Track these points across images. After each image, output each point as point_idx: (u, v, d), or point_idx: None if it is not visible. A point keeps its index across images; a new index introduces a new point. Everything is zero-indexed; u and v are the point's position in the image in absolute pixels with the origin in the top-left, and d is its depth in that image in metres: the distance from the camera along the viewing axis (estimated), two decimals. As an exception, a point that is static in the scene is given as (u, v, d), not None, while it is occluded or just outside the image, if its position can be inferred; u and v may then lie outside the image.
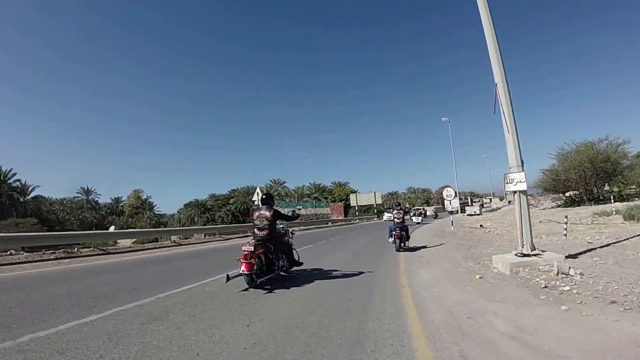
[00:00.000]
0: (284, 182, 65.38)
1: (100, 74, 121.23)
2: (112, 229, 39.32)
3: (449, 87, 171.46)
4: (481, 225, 19.87)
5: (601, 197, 24.42)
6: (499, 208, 40.92)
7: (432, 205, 78.30)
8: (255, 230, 5.84)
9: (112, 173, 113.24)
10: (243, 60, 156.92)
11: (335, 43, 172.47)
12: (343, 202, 55.10)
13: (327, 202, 47.17)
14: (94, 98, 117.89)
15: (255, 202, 25.16)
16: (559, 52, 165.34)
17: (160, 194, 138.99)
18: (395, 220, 10.59)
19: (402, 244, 10.49)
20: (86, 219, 62.85)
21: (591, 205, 22.80)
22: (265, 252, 5.71)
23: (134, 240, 24.59)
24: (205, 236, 22.40)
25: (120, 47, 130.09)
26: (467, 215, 31.60)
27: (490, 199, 62.45)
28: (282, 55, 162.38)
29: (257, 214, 5.90)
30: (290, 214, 6.78)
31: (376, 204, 47.00)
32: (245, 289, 5.36)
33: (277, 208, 6.20)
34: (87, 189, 72.76)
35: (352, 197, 48.41)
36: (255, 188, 71.00)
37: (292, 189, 64.82)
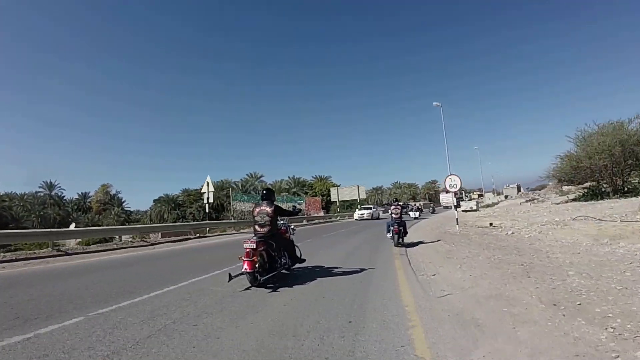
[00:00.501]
0: (261, 176, 60.58)
1: (65, 62, 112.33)
2: (72, 226, 33.64)
3: (437, 81, 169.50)
4: (491, 224, 15.42)
5: (627, 189, 20.43)
6: (496, 203, 37.11)
7: (420, 200, 75.49)
8: (256, 227, 5.63)
9: (81, 167, 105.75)
10: (215, 51, 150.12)
11: (319, 36, 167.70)
12: (325, 197, 50.40)
13: (302, 197, 41.08)
14: (64, 88, 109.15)
15: (205, 195, 20.07)
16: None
17: (132, 190, 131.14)
18: (393, 215, 10.71)
19: (400, 239, 10.51)
20: (48, 216, 57.39)
21: (618, 198, 18.83)
22: (267, 250, 5.53)
23: (78, 240, 20.08)
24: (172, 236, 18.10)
25: (84, 31, 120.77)
26: (463, 211, 27.44)
27: (482, 194, 59.20)
28: (260, 48, 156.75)
29: (257, 209, 5.68)
30: (290, 209, 6.49)
31: (360, 199, 41.17)
32: (247, 288, 5.15)
33: (277, 203, 6.01)
34: (50, 183, 66.05)
35: (333, 191, 42.72)
36: (231, 182, 66.46)
37: (270, 184, 60.46)
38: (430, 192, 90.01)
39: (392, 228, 10.44)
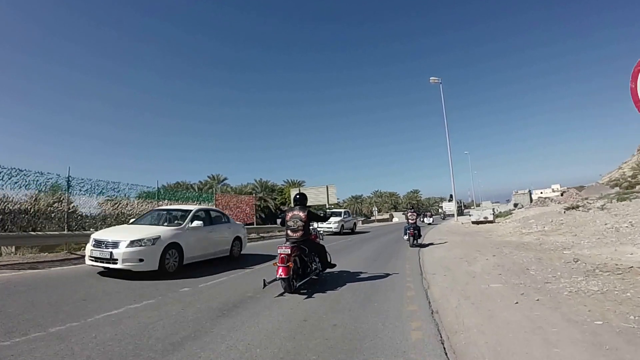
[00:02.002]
0: (225, 179, 51.63)
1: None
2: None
3: (419, 90, 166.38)
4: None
5: None
6: (509, 212, 29.98)
7: (400, 210, 69.95)
8: (289, 232, 5.58)
9: None
10: (185, 53, 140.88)
11: (296, 42, 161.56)
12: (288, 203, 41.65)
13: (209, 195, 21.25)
14: None
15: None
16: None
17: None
18: (410, 220, 11.85)
19: (415, 241, 11.47)
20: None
21: None
22: (300, 255, 5.47)
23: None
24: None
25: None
26: (473, 222, 19.95)
27: (477, 204, 52.40)
28: (231, 51, 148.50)
29: (290, 214, 5.62)
30: (322, 214, 6.50)
31: (330, 204, 26.26)
32: (281, 294, 5.02)
33: (310, 209, 5.87)
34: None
35: (293, 192, 25.33)
36: (188, 184, 56.67)
37: (233, 187, 51.62)
38: (413, 202, 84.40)
39: (408, 231, 11.46)
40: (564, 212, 19.52)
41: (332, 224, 18.76)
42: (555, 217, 16.13)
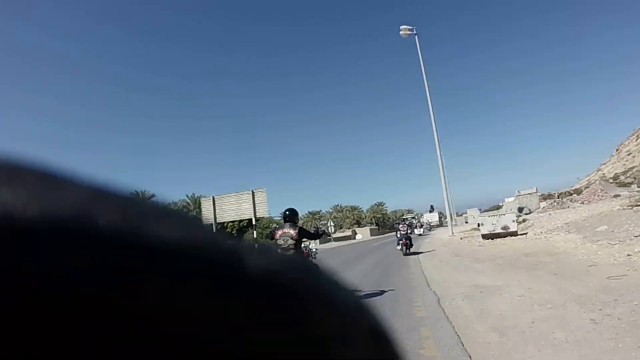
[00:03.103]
0: (153, 196, 37.81)
1: None
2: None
3: (382, 96, 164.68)
4: None
5: None
6: (524, 220, 22.65)
7: (364, 225, 63.58)
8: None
9: None
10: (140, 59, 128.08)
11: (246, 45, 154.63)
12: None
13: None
14: None
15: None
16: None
17: None
18: (401, 232, 12.54)
19: (407, 250, 12.17)
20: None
21: None
22: None
23: None
24: None
25: None
26: (484, 236, 12.05)
27: (457, 214, 46.21)
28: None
29: (279, 232, 5.28)
30: (313, 231, 6.10)
31: (257, 218, 17.09)
32: None
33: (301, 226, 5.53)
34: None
35: (205, 204, 17.57)
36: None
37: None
38: (377, 216, 77.94)
39: (400, 242, 12.36)
40: (617, 209, 12.38)
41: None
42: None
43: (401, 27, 19.88)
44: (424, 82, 20.65)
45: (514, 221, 12.47)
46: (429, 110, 20.86)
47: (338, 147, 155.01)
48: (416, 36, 20.01)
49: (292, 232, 5.13)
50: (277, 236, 5.25)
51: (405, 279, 7.27)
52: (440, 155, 20.90)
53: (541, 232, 11.74)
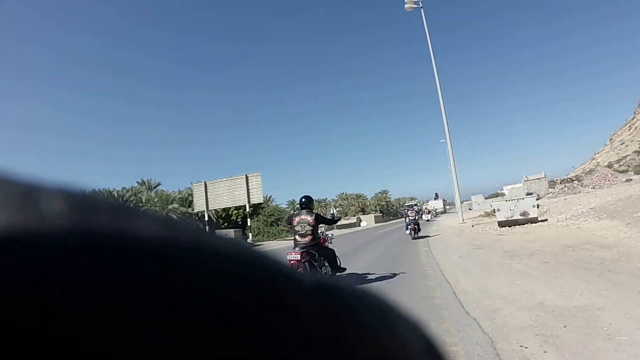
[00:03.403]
0: (158, 185, 43.13)
1: None
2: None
3: (387, 84, 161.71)
4: None
5: None
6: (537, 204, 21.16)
7: (369, 213, 62.70)
8: (297, 237, 5.44)
9: None
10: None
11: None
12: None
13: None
14: None
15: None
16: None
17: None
18: (410, 217, 13.25)
19: (415, 234, 12.83)
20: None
21: None
22: (310, 260, 5.28)
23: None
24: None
25: None
26: (500, 224, 10.98)
27: (461, 201, 45.09)
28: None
29: (297, 219, 5.40)
30: (330, 217, 6.35)
31: (251, 204, 15.75)
32: None
33: (317, 212, 5.72)
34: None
35: (197, 191, 16.16)
36: (111, 191, 44.94)
37: (169, 193, 42.14)
38: (382, 203, 77.50)
39: (409, 227, 13.02)
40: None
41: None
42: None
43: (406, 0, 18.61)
44: (431, 64, 19.62)
45: (534, 206, 11.29)
46: (437, 94, 19.92)
47: (344, 138, 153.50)
48: (422, 9, 18.72)
49: (309, 218, 5.25)
50: (295, 222, 5.37)
51: (419, 287, 5.06)
52: (450, 142, 19.88)
53: (565, 219, 10.63)
